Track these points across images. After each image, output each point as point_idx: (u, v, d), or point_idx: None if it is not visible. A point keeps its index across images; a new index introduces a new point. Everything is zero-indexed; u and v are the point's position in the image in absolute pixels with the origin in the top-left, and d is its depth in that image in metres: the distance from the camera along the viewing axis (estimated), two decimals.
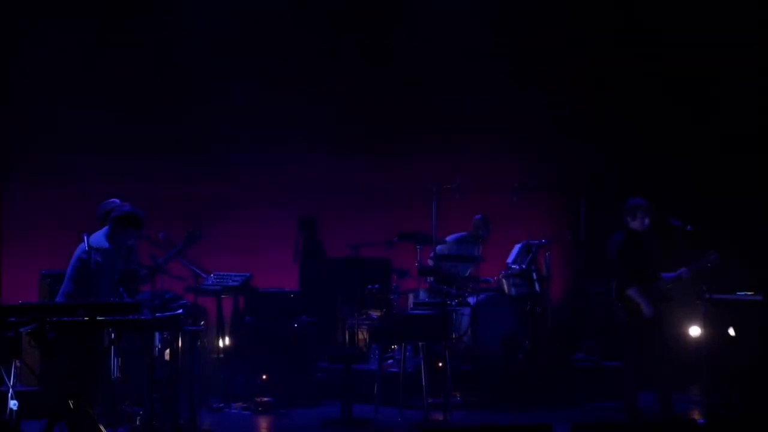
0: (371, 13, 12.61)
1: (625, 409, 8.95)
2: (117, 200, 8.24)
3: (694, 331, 10.27)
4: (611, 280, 8.95)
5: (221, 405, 9.87)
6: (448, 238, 11.40)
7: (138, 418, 8.12)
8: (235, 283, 10.10)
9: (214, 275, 10.06)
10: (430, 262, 10.94)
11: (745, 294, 9.70)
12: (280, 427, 9.28)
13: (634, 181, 12.14)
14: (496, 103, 13.03)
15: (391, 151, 12.88)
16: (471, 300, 10.59)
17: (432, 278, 10.42)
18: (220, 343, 10.06)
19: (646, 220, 8.95)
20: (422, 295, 10.74)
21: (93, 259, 7.55)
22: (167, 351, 8.03)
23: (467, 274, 10.76)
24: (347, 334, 10.91)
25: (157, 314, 7.78)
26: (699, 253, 9.09)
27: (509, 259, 11.36)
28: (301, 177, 12.52)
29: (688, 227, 8.88)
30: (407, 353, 9.68)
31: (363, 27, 12.57)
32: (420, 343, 9.41)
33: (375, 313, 10.86)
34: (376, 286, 10.80)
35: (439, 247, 10.92)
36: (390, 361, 10.44)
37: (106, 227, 8.02)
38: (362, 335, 10.71)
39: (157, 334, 7.96)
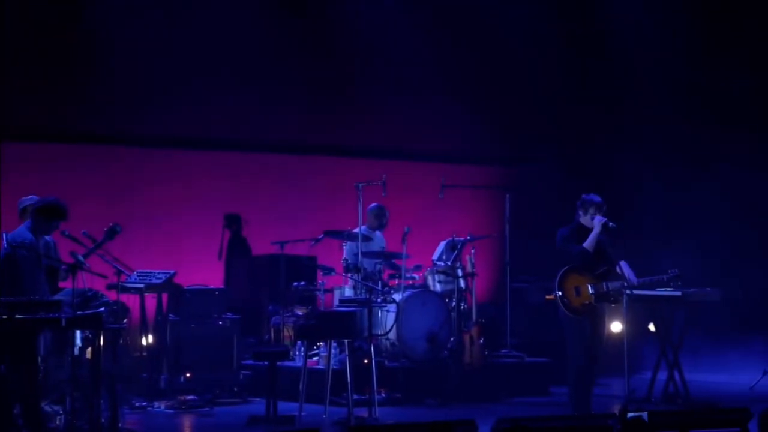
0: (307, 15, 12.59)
1: (570, 402, 9.04)
2: (36, 196, 8.07)
3: (616, 326, 10.39)
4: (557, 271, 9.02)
5: (144, 404, 9.74)
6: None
7: (58, 417, 7.98)
8: (159, 281, 9.99)
9: (137, 273, 9.92)
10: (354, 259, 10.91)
11: (665, 290, 9.81)
12: (204, 425, 9.19)
13: (561, 178, 12.28)
14: (422, 103, 13.11)
15: (317, 148, 12.87)
16: (396, 297, 10.58)
17: (357, 275, 10.41)
18: (143, 341, 9.95)
19: (597, 212, 9.02)
20: (348, 292, 10.73)
21: (19, 254, 7.39)
22: (88, 349, 7.90)
23: (378, 269, 10.72)
24: (272, 331, 10.84)
25: (78, 312, 7.65)
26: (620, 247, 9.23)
27: (434, 256, 11.35)
28: (226, 173, 12.44)
29: (610, 224, 8.96)
30: (333, 350, 9.66)
31: (301, 25, 12.57)
32: (345, 340, 9.36)
33: (300, 310, 10.84)
34: (302, 283, 10.81)
35: (348, 245, 10.85)
36: (316, 358, 10.41)
37: (28, 221, 7.85)
38: (288, 332, 10.66)
39: (78, 333, 7.81)
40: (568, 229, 9.12)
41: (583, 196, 9.15)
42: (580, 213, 9.12)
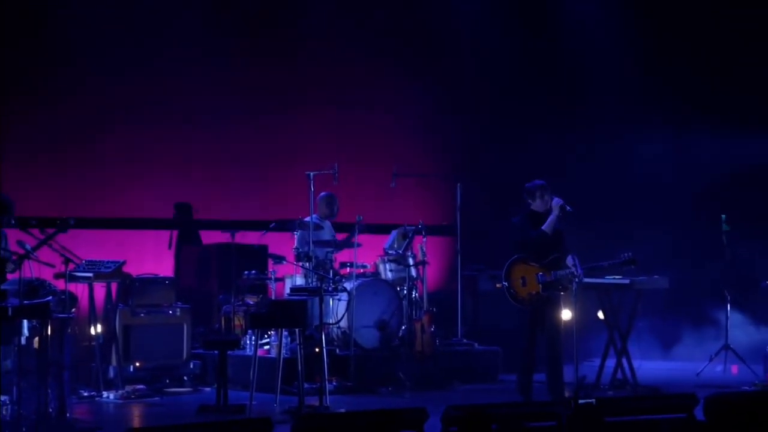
0: None
1: (517, 389, 9.10)
2: None
3: (565, 314, 10.43)
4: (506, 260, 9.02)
5: (92, 393, 9.67)
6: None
7: (5, 407, 7.89)
8: (108, 270, 9.91)
9: (85, 262, 9.84)
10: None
11: (614, 278, 9.90)
12: (154, 415, 9.12)
13: (513, 165, 12.31)
14: (374, 91, 13.11)
15: (268, 137, 12.78)
16: (348, 285, 10.57)
17: (308, 264, 10.36)
18: (92, 331, 9.85)
19: (546, 198, 9.06)
20: (299, 281, 10.69)
21: None
22: (36, 339, 7.82)
23: (329, 258, 10.71)
24: (223, 320, 10.79)
25: (25, 302, 7.57)
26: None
27: (386, 245, 11.35)
28: (177, 160, 12.31)
29: (568, 207, 8.99)
30: (284, 339, 9.63)
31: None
32: (296, 329, 9.33)
33: (251, 299, 10.80)
34: (253, 272, 10.73)
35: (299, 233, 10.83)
36: (267, 347, 10.38)
37: None
38: (239, 321, 10.61)
39: (25, 322, 7.74)
40: (521, 218, 9.16)
41: (526, 185, 9.23)
42: (529, 201, 9.20)
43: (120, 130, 11.93)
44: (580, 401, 6.19)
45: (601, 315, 10.21)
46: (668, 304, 11.97)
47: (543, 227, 8.97)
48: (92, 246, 10.94)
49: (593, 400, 6.25)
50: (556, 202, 9.02)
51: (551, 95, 13.25)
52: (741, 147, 12.49)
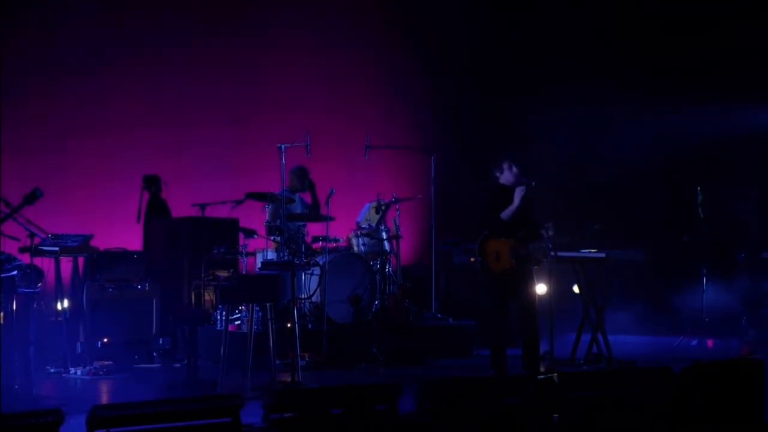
0: None
1: (491, 364, 9.12)
2: None
3: (540, 288, 10.46)
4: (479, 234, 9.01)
5: (59, 370, 9.60)
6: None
7: None
8: (75, 244, 9.82)
9: (51, 235, 9.72)
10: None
11: (589, 251, 9.92)
12: (122, 390, 9.05)
13: (490, 137, 12.31)
14: (346, 61, 13.10)
15: (239, 109, 12.74)
16: (320, 259, 10.56)
17: (280, 237, 10.30)
18: (59, 306, 9.77)
19: (515, 169, 9.02)
20: (270, 255, 10.63)
21: None
22: (1, 314, 7.73)
23: (302, 232, 10.72)
24: (194, 295, 10.71)
25: None
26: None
27: (359, 218, 11.43)
28: (145, 132, 12.22)
29: (533, 183, 8.99)
30: (255, 314, 9.57)
31: None
32: (268, 304, 9.27)
33: (222, 274, 10.62)
34: (224, 246, 10.61)
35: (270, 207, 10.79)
36: (238, 322, 10.37)
37: None
38: (209, 296, 10.53)
39: None
40: (489, 194, 9.12)
41: (493, 155, 9.22)
42: (497, 174, 9.14)
43: (84, 98, 11.86)
44: (541, 376, 6.20)
45: (576, 289, 10.25)
46: (643, 277, 12.08)
47: (502, 215, 8.97)
48: (59, 219, 10.82)
49: (555, 374, 6.21)
50: (518, 191, 8.98)
51: (532, 65, 13.26)
52: (714, 119, 12.61)
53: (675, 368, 6.61)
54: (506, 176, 9.10)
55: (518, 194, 8.99)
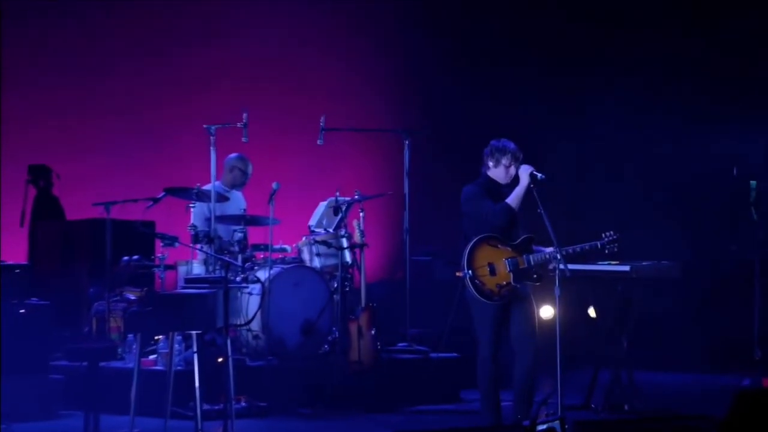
0: None
1: (481, 409, 9.09)
2: None
3: (546, 312, 10.49)
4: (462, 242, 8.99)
5: None
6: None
7: None
8: None
9: None
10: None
11: (609, 264, 9.91)
12: None
13: (481, 117, 12.42)
14: (294, 21, 13.35)
15: (155, 83, 12.96)
16: (261, 274, 10.57)
17: (209, 246, 10.36)
18: None
19: (512, 169, 8.96)
20: (197, 269, 10.73)
21: None
22: None
23: (237, 239, 10.75)
24: (95, 321, 10.76)
25: None
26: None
27: (312, 221, 11.43)
28: (33, 114, 12.40)
29: (539, 175, 8.89)
30: (176, 346, 9.63)
31: None
32: (193, 333, 9.17)
33: (133, 294, 10.77)
34: (135, 257, 10.73)
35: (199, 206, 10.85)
36: (153, 356, 10.38)
37: None
38: (116, 323, 10.58)
39: None
40: (476, 185, 9.04)
41: (493, 142, 9.06)
42: (489, 164, 9.03)
43: None
44: (539, 427, 6.15)
45: (592, 312, 10.33)
46: (680, 298, 12.22)
47: (508, 200, 8.89)
48: None
49: (556, 423, 6.17)
50: (525, 168, 8.92)
51: (533, 28, 13.48)
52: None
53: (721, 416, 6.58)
54: (501, 172, 9.01)
55: (525, 172, 8.90)
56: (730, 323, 12.31)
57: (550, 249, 8.83)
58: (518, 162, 8.98)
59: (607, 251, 9.14)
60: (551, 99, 13.35)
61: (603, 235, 9.09)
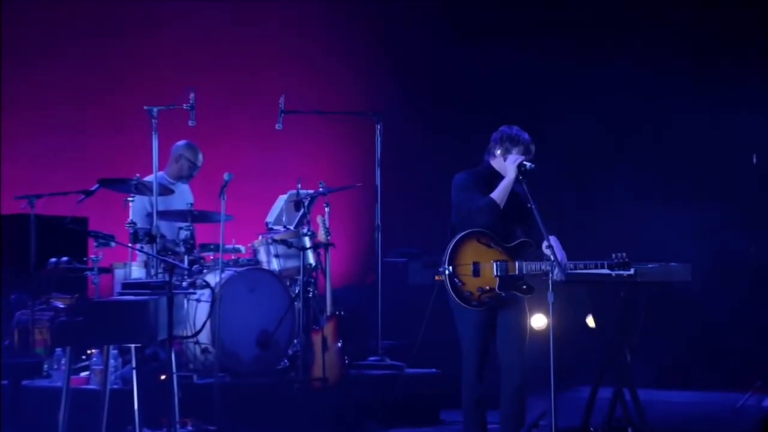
0: None
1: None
2: None
3: (538, 321, 10.44)
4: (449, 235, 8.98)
5: None
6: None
7: None
8: None
9: None
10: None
11: (596, 262, 9.65)
12: None
13: (461, 96, 12.67)
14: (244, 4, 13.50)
15: (89, 59, 12.98)
16: (211, 279, 10.44)
17: (151, 246, 10.33)
18: None
19: (510, 157, 8.86)
20: (136, 272, 10.67)
21: None
22: None
23: (183, 237, 10.68)
24: (17, 333, 10.54)
25: None
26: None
27: (269, 218, 11.45)
28: None
29: (527, 165, 8.87)
30: (112, 361, 9.50)
31: None
32: (132, 346, 9.18)
33: (61, 301, 10.62)
34: (64, 258, 10.61)
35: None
36: (85, 373, 10.32)
37: None
38: (41, 335, 10.41)
39: None
40: (470, 174, 8.97)
41: (504, 128, 8.99)
42: (496, 152, 8.96)
43: None
44: None
45: (591, 322, 10.27)
46: (691, 304, 12.22)
47: (493, 195, 8.86)
48: None
49: None
50: (512, 158, 8.89)
51: None
52: None
53: None
54: (501, 163, 8.95)
55: (512, 163, 8.84)
56: (747, 333, 12.40)
57: (546, 263, 8.74)
58: (530, 156, 8.94)
59: (614, 275, 9.26)
60: (546, 76, 13.48)
61: (613, 255, 9.12)
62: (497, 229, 8.82)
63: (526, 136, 8.93)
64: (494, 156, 8.93)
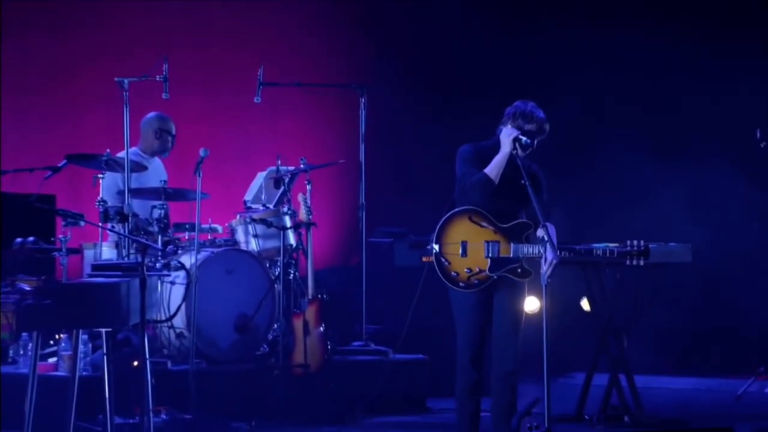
0: None
1: (456, 421, 9.02)
2: None
3: (530, 304, 10.27)
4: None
5: None
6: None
7: None
8: None
9: None
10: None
11: (607, 246, 9.77)
12: None
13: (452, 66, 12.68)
14: None
15: (63, 23, 12.91)
16: (186, 260, 10.44)
17: (122, 225, 10.26)
18: None
19: (505, 130, 8.76)
20: (107, 253, 10.58)
21: None
22: None
23: (157, 216, 10.63)
24: None
25: None
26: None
27: (248, 196, 11.46)
28: None
29: (523, 139, 8.74)
30: (82, 347, 9.41)
31: None
32: (102, 331, 8.97)
33: (28, 284, 10.16)
34: (30, 238, 10.49)
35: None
36: (53, 359, 10.28)
37: None
38: (7, 319, 10.09)
39: None
40: (473, 147, 8.89)
41: (518, 104, 8.87)
42: (507, 128, 8.82)
43: None
44: None
45: (586, 305, 10.26)
46: (691, 287, 12.32)
47: (486, 170, 8.77)
48: None
49: None
50: (508, 132, 8.77)
51: None
52: None
53: (741, 430, 6.68)
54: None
55: (506, 136, 8.74)
56: (749, 317, 12.41)
57: (550, 254, 8.55)
58: (543, 135, 8.86)
59: (627, 263, 9.35)
60: (543, 47, 13.48)
61: (627, 242, 9.27)
62: (494, 207, 8.72)
63: (541, 113, 8.81)
64: (503, 130, 8.84)
